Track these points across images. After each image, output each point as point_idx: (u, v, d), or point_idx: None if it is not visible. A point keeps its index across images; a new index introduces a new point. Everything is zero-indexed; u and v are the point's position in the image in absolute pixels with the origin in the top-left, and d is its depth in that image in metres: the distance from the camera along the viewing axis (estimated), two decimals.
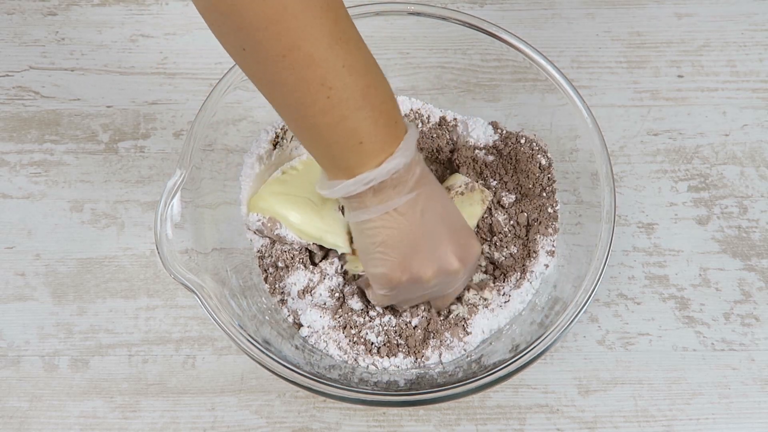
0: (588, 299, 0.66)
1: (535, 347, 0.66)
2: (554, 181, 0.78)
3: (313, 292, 0.76)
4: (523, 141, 0.79)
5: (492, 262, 0.77)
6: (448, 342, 0.73)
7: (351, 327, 0.75)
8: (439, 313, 0.75)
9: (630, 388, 0.76)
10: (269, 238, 0.76)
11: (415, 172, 0.63)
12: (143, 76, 0.92)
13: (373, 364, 0.72)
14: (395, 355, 0.72)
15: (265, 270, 0.76)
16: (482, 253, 0.76)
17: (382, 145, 0.61)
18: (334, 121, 0.59)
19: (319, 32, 0.56)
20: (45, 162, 0.87)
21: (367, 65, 0.60)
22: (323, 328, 0.74)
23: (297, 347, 0.72)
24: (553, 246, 0.76)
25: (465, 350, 0.72)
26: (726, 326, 0.79)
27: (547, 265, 0.75)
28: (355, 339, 0.73)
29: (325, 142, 0.61)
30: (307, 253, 0.77)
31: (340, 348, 0.72)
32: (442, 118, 0.83)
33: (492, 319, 0.73)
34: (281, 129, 0.79)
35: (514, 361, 0.65)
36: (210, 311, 0.66)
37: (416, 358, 0.72)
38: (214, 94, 0.74)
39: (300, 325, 0.74)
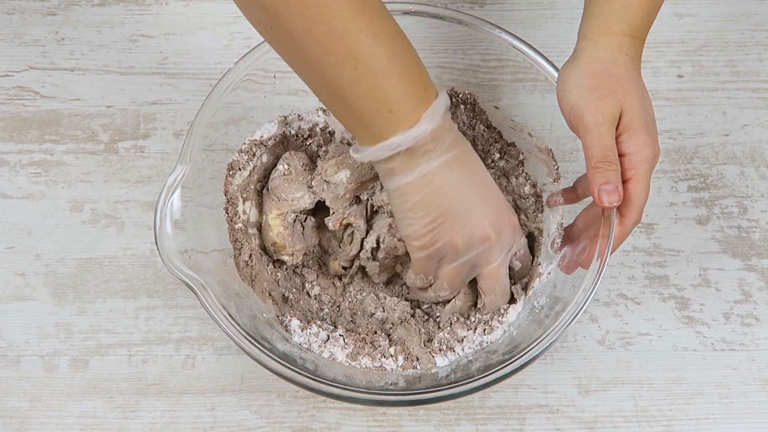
0: (588, 299, 0.66)
1: (535, 347, 0.66)
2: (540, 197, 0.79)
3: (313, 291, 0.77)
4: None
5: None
6: (449, 343, 0.73)
7: (351, 327, 0.75)
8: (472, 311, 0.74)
9: (630, 388, 0.76)
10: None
11: (444, 138, 0.64)
12: (143, 76, 0.92)
13: (373, 363, 0.72)
14: (395, 355, 0.72)
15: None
16: (521, 224, 0.74)
17: (411, 111, 0.62)
18: (362, 92, 0.61)
19: (340, 5, 0.58)
20: (45, 162, 0.87)
21: (392, 34, 0.62)
22: (323, 328, 0.74)
23: (297, 347, 0.72)
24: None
25: (464, 351, 0.72)
26: (726, 326, 0.79)
27: (549, 273, 0.75)
28: (355, 339, 0.73)
29: (356, 111, 0.62)
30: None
31: (340, 348, 0.72)
32: None
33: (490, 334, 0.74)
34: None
35: (514, 360, 0.65)
36: (208, 308, 0.66)
37: (417, 359, 0.72)
38: (214, 94, 0.74)
39: (301, 325, 0.74)
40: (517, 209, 0.79)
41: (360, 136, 0.65)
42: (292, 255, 0.76)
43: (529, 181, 0.80)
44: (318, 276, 0.78)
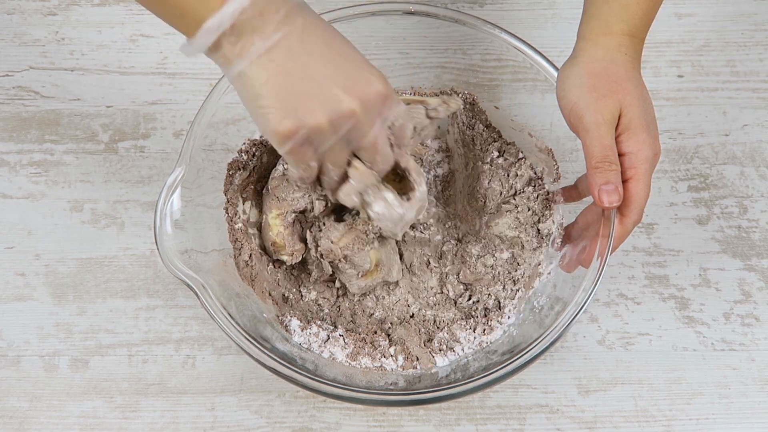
0: (588, 299, 0.66)
1: (535, 347, 0.66)
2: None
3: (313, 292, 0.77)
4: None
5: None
6: (449, 343, 0.73)
7: (351, 327, 0.75)
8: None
9: (630, 388, 0.76)
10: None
11: (276, 8, 0.57)
12: (143, 76, 0.92)
13: (373, 363, 0.72)
14: (395, 355, 0.72)
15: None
16: (400, 104, 0.64)
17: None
18: None
19: None
20: (45, 162, 0.87)
21: None
22: (323, 328, 0.74)
23: (297, 347, 0.72)
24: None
25: (464, 351, 0.72)
26: (726, 326, 0.79)
27: (550, 273, 0.75)
28: (354, 339, 0.73)
29: (166, 4, 0.57)
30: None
31: (339, 348, 0.72)
32: None
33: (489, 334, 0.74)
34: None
35: (514, 360, 0.65)
36: (208, 308, 0.66)
37: (417, 359, 0.72)
38: (214, 94, 0.74)
39: (301, 325, 0.74)
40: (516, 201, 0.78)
41: (181, 28, 0.59)
42: (292, 255, 0.76)
43: (528, 173, 0.79)
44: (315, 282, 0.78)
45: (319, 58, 0.59)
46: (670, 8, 0.95)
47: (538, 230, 0.77)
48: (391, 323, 0.76)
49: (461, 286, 0.77)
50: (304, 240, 0.75)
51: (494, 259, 0.77)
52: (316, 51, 0.59)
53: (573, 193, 0.75)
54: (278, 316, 0.74)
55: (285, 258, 0.76)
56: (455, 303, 0.77)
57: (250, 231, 0.77)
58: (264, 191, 0.78)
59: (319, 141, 0.61)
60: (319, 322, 0.74)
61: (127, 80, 0.92)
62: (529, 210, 0.77)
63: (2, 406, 0.75)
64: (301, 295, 0.77)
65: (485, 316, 0.75)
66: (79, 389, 0.76)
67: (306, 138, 0.60)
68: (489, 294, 0.76)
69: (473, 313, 0.76)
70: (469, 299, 0.77)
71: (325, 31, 0.60)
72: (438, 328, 0.75)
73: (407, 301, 0.77)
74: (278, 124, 0.59)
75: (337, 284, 0.77)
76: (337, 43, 0.60)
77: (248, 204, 0.78)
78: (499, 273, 0.76)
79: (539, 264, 0.75)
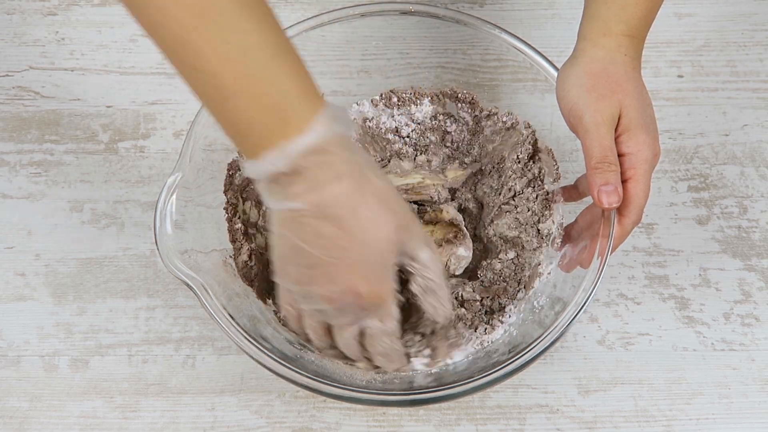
0: (588, 299, 0.66)
1: (535, 347, 0.66)
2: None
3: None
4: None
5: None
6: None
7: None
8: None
9: (630, 388, 0.76)
10: None
11: (330, 181, 0.55)
12: (143, 76, 0.92)
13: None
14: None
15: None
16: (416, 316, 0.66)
17: (268, 134, 0.54)
18: (215, 106, 0.56)
19: (182, 12, 0.53)
20: (45, 162, 0.87)
21: (245, 50, 0.54)
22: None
23: (297, 347, 0.72)
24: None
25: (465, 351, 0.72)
26: (726, 326, 0.79)
27: (549, 273, 0.75)
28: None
29: (221, 123, 0.57)
30: None
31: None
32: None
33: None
34: None
35: (514, 360, 0.65)
36: (208, 308, 0.66)
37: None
38: None
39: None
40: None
41: (237, 145, 0.59)
42: None
43: (527, 176, 0.79)
44: None
45: (338, 242, 0.56)
46: (670, 8, 0.95)
47: (538, 230, 0.77)
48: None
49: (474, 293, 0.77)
50: None
51: (501, 263, 0.76)
52: (334, 227, 0.56)
53: (573, 193, 0.75)
54: (278, 316, 0.74)
55: None
56: (463, 304, 0.76)
57: (250, 231, 0.77)
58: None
59: (308, 301, 0.61)
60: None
61: (127, 80, 0.92)
62: (528, 210, 0.77)
63: (2, 406, 0.75)
64: None
65: (486, 314, 0.75)
66: (79, 389, 0.76)
67: (305, 292, 0.60)
68: (493, 299, 0.76)
69: (477, 313, 0.76)
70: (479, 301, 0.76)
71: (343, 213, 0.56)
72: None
73: None
74: (275, 269, 0.60)
75: None
76: (361, 220, 0.57)
77: (248, 204, 0.78)
78: (506, 275, 0.76)
79: (539, 264, 0.75)
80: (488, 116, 0.81)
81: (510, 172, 0.77)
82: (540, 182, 0.78)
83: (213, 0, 0.53)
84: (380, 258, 0.59)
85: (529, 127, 0.78)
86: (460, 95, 0.81)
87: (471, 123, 0.82)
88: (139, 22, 0.56)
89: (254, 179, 0.57)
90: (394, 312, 0.62)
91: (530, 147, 0.77)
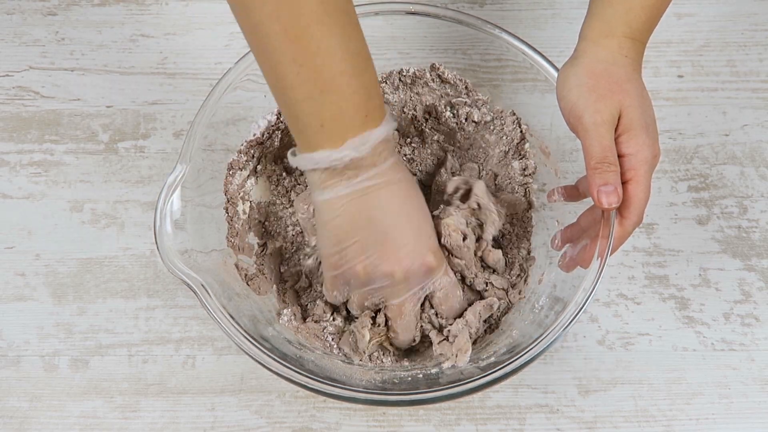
0: (588, 299, 0.66)
1: (534, 347, 0.66)
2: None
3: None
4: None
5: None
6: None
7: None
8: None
9: (630, 388, 0.76)
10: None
11: (371, 168, 0.63)
12: (143, 76, 0.92)
13: (373, 363, 0.72)
14: (395, 356, 0.72)
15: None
16: (447, 275, 0.70)
17: (340, 132, 0.62)
18: (299, 98, 0.61)
19: (298, 10, 0.58)
20: (45, 162, 0.87)
21: (347, 52, 0.60)
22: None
23: (297, 347, 0.72)
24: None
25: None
26: (726, 326, 0.79)
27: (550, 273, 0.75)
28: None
29: (293, 115, 0.62)
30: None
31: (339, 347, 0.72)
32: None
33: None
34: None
35: (514, 360, 0.65)
36: (209, 308, 0.66)
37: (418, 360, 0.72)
38: (214, 94, 0.74)
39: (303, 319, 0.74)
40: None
41: (296, 140, 0.65)
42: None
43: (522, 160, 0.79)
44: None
45: (386, 217, 0.65)
46: (670, 8, 0.95)
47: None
48: None
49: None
50: None
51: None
52: (386, 211, 0.65)
53: (573, 193, 0.75)
54: (278, 316, 0.74)
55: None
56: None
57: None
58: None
59: (355, 283, 0.68)
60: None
61: (127, 80, 0.92)
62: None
63: (2, 406, 0.75)
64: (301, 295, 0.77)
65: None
66: (79, 389, 0.76)
67: (344, 275, 0.67)
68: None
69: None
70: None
71: (406, 194, 0.66)
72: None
73: None
74: (330, 253, 0.67)
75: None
76: (410, 209, 0.67)
77: (248, 204, 0.78)
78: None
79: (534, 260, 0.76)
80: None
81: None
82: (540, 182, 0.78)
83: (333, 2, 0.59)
84: (431, 221, 0.69)
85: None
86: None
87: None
88: (248, 15, 0.60)
89: (312, 171, 0.64)
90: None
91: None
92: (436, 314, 0.71)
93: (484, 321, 0.73)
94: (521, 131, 0.79)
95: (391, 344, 0.72)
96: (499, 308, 0.73)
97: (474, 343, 0.71)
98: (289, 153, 0.66)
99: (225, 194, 0.76)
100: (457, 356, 0.69)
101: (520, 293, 0.74)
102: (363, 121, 0.62)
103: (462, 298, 0.72)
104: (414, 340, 0.72)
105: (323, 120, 0.61)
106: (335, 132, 0.62)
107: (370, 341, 0.70)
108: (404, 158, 0.82)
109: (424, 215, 0.68)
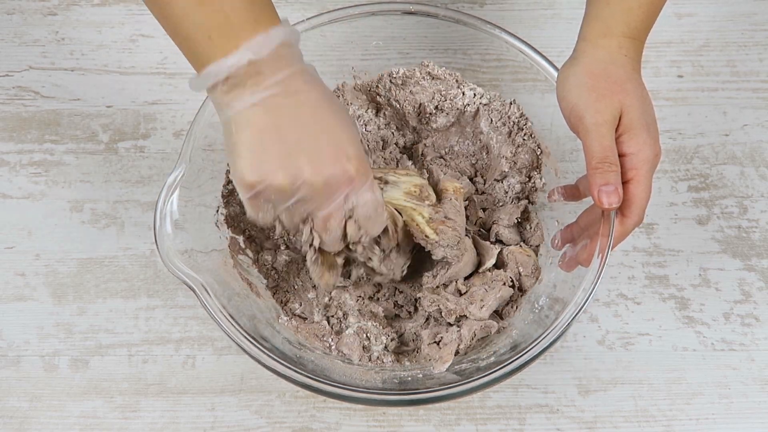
0: (588, 299, 0.66)
1: (534, 347, 0.66)
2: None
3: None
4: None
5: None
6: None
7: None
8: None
9: (630, 388, 0.76)
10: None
11: (275, 72, 0.60)
12: (143, 76, 0.92)
13: (373, 363, 0.72)
14: (396, 356, 0.72)
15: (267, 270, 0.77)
16: (372, 192, 0.66)
17: (230, 39, 0.60)
18: (180, 15, 0.60)
19: None
20: (45, 162, 0.87)
21: None
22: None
23: (297, 347, 0.72)
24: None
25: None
26: (726, 326, 0.79)
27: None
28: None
29: (180, 35, 0.61)
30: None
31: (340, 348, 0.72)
32: None
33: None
34: None
35: (514, 360, 0.65)
36: (209, 308, 0.66)
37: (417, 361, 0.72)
38: None
39: (304, 319, 0.74)
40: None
41: (193, 64, 0.63)
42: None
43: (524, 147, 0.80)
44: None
45: (300, 125, 0.61)
46: (670, 8, 0.95)
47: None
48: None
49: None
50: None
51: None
52: (300, 118, 0.61)
53: (574, 193, 0.75)
54: (278, 316, 0.74)
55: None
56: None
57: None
58: None
59: (276, 199, 0.63)
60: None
61: (127, 80, 0.92)
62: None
63: (2, 406, 0.75)
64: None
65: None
66: (79, 389, 0.76)
67: (264, 192, 0.62)
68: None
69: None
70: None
71: (319, 101, 0.63)
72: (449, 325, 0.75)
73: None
74: (243, 173, 0.62)
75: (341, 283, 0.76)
76: (325, 116, 0.63)
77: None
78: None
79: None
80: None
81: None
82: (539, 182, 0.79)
83: None
84: (357, 132, 0.65)
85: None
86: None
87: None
88: None
89: (213, 90, 0.61)
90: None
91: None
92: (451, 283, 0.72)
93: (478, 340, 0.73)
94: (520, 112, 0.79)
95: (373, 271, 0.71)
96: (498, 331, 0.73)
97: (461, 353, 0.72)
98: (188, 81, 0.63)
99: (222, 197, 0.76)
100: (437, 361, 0.70)
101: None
102: (253, 25, 0.60)
103: (385, 218, 0.68)
104: (399, 272, 0.72)
105: (209, 31, 0.60)
106: (225, 40, 0.60)
107: (321, 270, 0.69)
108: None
109: (340, 122, 0.63)
